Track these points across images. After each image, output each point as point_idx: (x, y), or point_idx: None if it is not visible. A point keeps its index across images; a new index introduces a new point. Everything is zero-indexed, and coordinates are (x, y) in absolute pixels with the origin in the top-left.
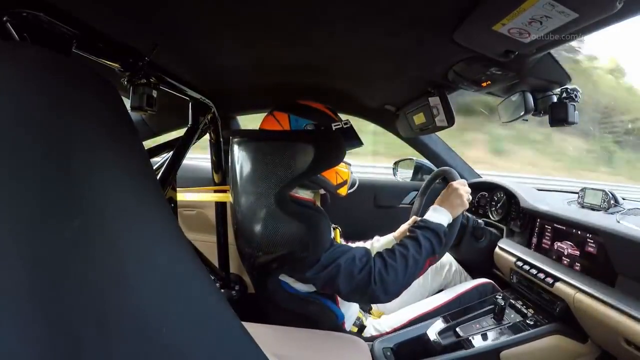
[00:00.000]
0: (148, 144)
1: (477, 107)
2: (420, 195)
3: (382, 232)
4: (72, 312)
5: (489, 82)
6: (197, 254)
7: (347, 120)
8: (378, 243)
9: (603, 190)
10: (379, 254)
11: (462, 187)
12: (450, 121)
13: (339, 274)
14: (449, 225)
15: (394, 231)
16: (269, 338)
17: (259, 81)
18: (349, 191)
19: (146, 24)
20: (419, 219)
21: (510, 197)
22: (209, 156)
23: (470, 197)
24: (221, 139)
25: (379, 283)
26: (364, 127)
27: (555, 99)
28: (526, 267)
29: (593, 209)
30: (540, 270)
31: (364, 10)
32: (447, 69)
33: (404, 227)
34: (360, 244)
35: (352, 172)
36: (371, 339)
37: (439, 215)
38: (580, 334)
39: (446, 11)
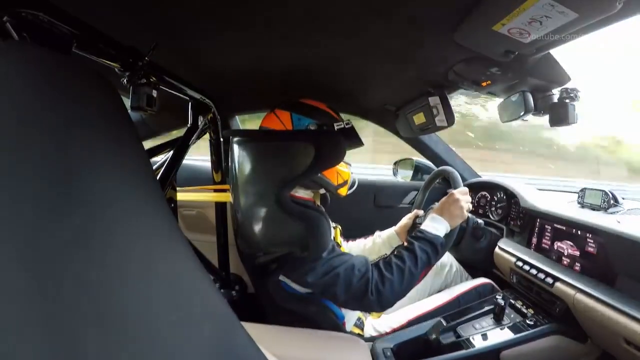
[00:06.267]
0: (148, 144)
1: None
2: (424, 189)
3: None
4: (72, 312)
5: (489, 82)
6: (197, 254)
7: (348, 120)
8: (380, 239)
9: (603, 191)
10: (375, 265)
11: (463, 198)
12: (450, 121)
13: (338, 281)
14: (446, 235)
15: None
16: (269, 338)
17: (259, 81)
18: (349, 191)
19: (146, 24)
20: (421, 212)
21: (510, 197)
22: (208, 157)
23: (471, 206)
24: (221, 139)
25: (375, 294)
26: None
27: (555, 99)
28: (526, 267)
29: (593, 209)
30: (540, 270)
31: (364, 10)
32: (447, 69)
33: (405, 220)
34: (361, 240)
35: (352, 173)
36: (371, 339)
37: (436, 225)
38: (580, 334)
39: (446, 11)
